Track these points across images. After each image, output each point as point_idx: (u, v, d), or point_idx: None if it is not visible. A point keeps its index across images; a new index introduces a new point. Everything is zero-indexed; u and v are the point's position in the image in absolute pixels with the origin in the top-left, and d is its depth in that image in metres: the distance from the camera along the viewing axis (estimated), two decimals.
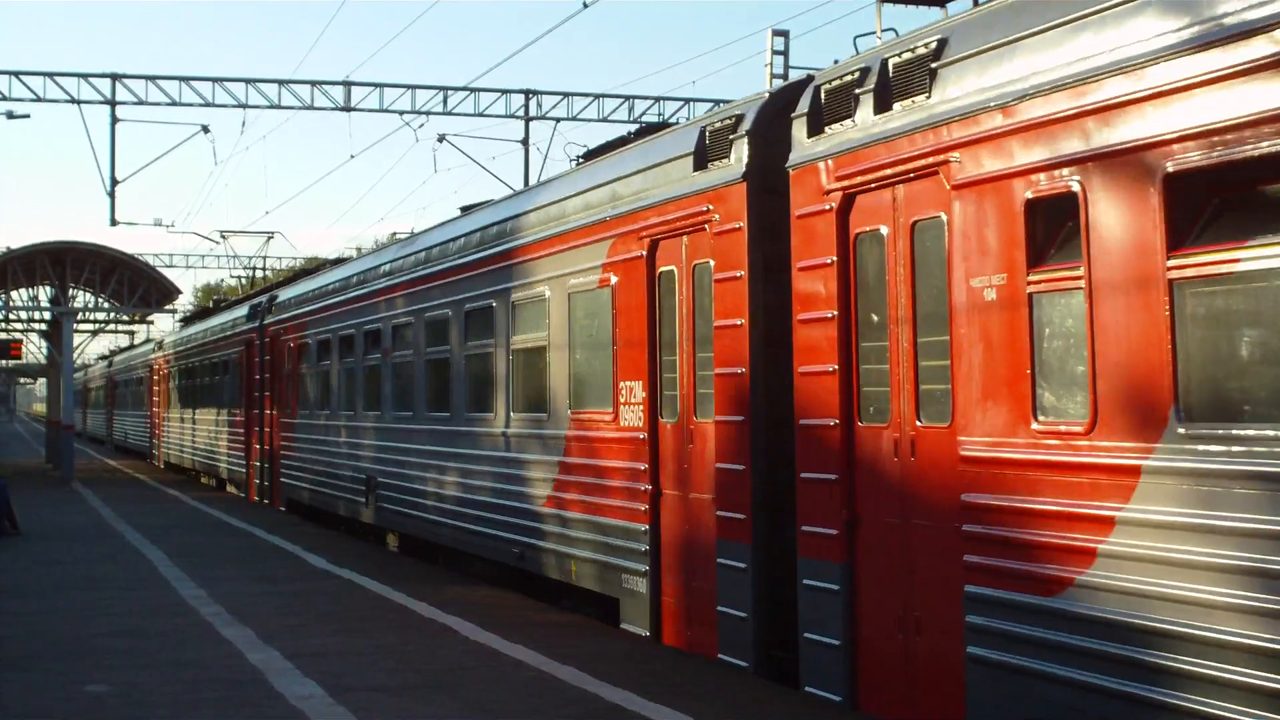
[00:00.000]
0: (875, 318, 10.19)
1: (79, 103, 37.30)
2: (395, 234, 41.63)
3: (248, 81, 38.20)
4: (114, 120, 37.71)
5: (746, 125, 11.84)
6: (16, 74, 36.63)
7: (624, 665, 11.86)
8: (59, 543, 23.29)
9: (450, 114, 39.87)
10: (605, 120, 40.39)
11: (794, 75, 28.96)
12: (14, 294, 47.93)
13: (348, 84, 38.81)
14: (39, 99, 36.95)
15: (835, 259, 10.45)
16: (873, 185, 10.12)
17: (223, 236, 44.87)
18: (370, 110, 39.34)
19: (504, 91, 40.44)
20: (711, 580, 12.10)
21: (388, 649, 12.77)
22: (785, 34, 35.58)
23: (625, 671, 11.54)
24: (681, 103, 40.60)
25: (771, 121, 11.70)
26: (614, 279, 13.90)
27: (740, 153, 11.83)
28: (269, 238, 46.54)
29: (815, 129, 10.82)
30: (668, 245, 13.03)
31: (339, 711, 10.19)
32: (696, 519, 12.46)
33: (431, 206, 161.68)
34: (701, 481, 12.33)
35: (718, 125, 12.24)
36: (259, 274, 51.12)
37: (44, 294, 46.21)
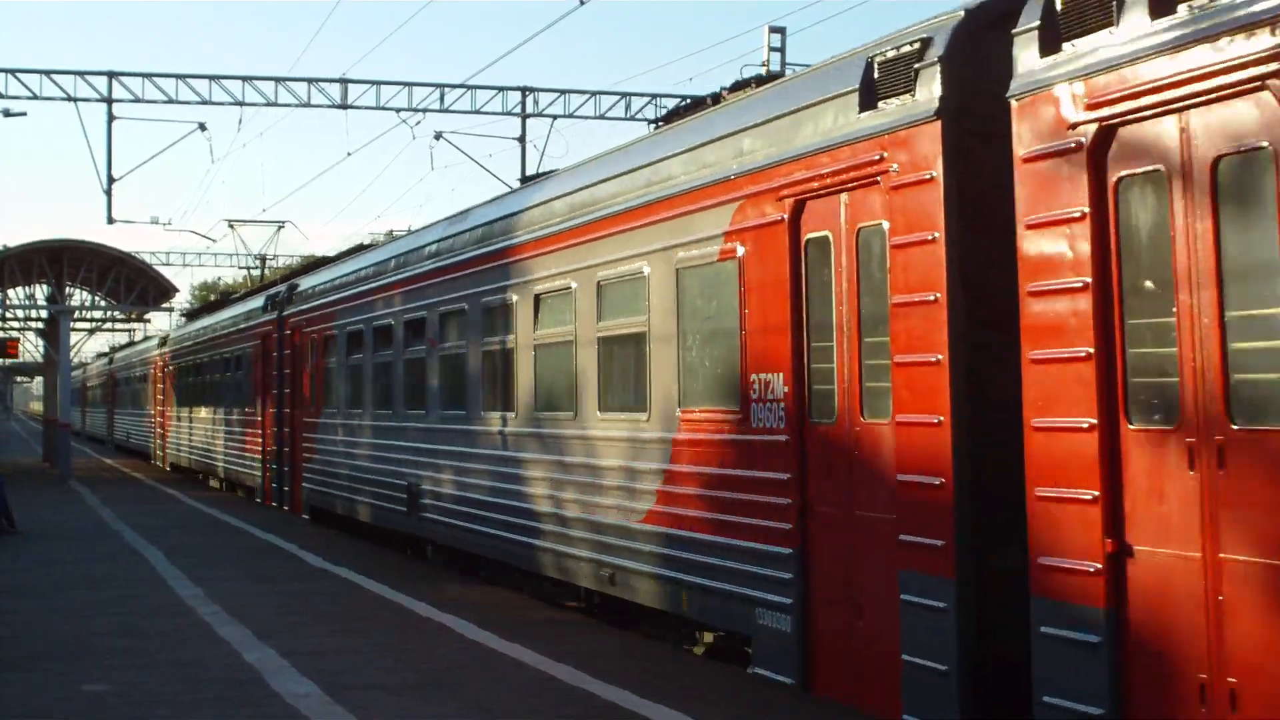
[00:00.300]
0: (1151, 285, 7.13)
1: (75, 100, 35.50)
2: (392, 231, 38.82)
3: (244, 79, 36.66)
4: (110, 118, 35.77)
5: (939, 49, 8.60)
6: (13, 72, 34.51)
7: (622, 664, 11.05)
8: (57, 542, 21.82)
9: (447, 111, 38.06)
10: (602, 117, 38.26)
11: (790, 72, 25.22)
12: (11, 292, 45.23)
13: (344, 81, 37.26)
14: (35, 97, 35.03)
15: (1088, 210, 7.38)
16: (1146, 113, 7.06)
17: (230, 227, 40.77)
18: (367, 108, 37.47)
19: (500, 89, 38.45)
20: (892, 620, 8.87)
21: (385, 648, 12.03)
22: (782, 30, 32.15)
23: (623, 670, 10.75)
24: (678, 99, 37.95)
25: (968, 44, 8.58)
26: (741, 249, 10.55)
27: (930, 85, 8.62)
28: (279, 227, 42.41)
29: (1050, 46, 7.71)
30: (819, 206, 9.74)
31: (336, 710, 9.57)
32: (867, 543, 9.20)
33: (428, 204, 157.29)
34: (874, 497, 9.08)
35: (893, 54, 9.00)
36: (266, 268, 47.16)
37: (41, 292, 43.81)
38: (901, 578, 8.82)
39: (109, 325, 54.19)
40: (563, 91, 38.26)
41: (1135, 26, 7.17)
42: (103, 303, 45.16)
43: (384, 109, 37.12)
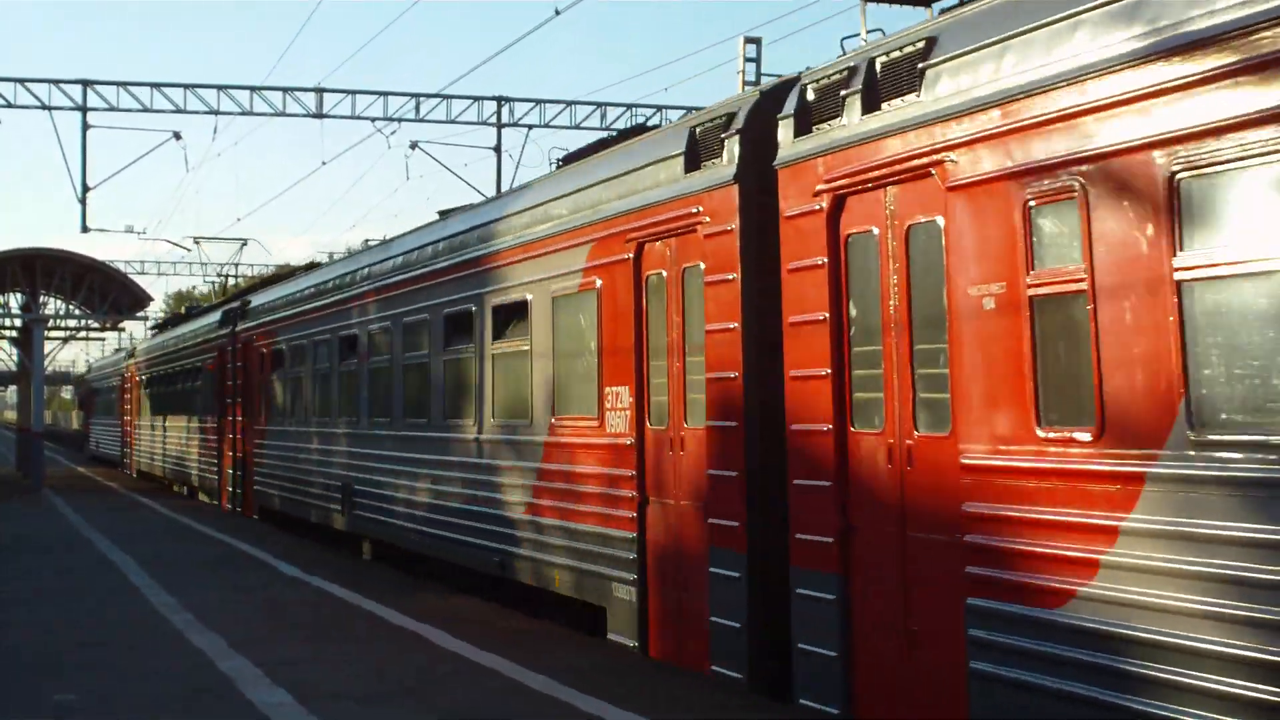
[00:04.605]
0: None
1: (50, 109, 35.65)
2: (367, 240, 38.78)
3: (219, 88, 36.69)
4: (85, 126, 35.77)
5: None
6: None
7: (595, 674, 10.94)
8: (28, 552, 21.40)
9: (422, 121, 38.16)
10: (577, 127, 38.31)
11: (766, 82, 25.39)
12: None
13: (320, 90, 37.27)
14: (9, 105, 35.12)
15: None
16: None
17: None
18: (342, 117, 37.66)
19: (476, 99, 38.35)
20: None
21: (358, 657, 11.93)
22: (758, 41, 32.42)
23: (597, 681, 10.65)
24: (654, 110, 38.32)
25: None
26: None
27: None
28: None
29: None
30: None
31: (310, 719, 9.57)
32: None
33: (404, 214, 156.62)
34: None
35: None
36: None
37: (15, 300, 43.19)
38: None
39: (83, 334, 53.83)
40: (538, 101, 38.36)
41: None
42: (77, 311, 45.01)
43: (359, 118, 37.11)
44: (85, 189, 36.38)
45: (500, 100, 38.29)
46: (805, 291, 9.32)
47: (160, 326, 47.61)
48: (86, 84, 35.22)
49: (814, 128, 9.39)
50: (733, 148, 10.33)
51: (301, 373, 23.36)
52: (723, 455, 10.39)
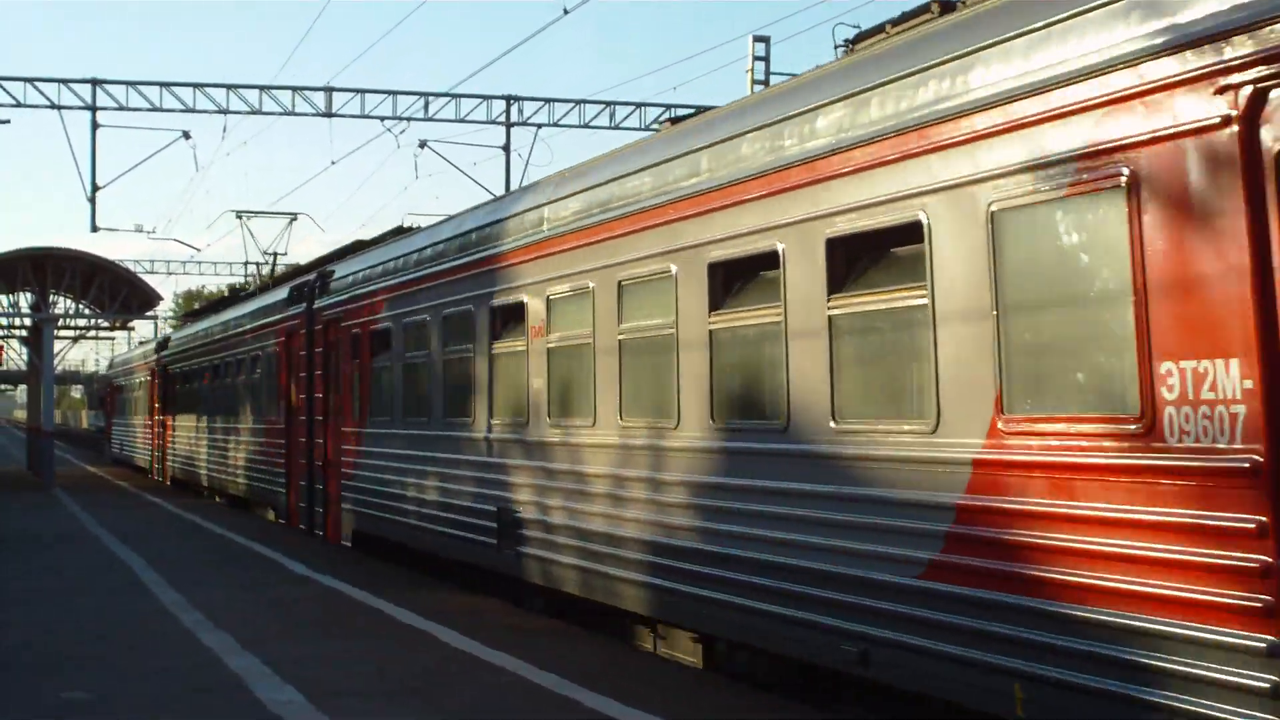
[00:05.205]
0: None
1: (59, 108, 35.90)
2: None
3: (229, 87, 36.73)
4: (94, 126, 35.82)
5: None
6: None
7: (606, 672, 10.91)
8: (36, 550, 21.29)
9: (431, 120, 38.16)
10: (587, 126, 38.20)
11: (775, 80, 25.08)
12: None
13: (329, 90, 37.28)
14: (19, 104, 35.40)
15: None
16: None
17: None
18: (351, 116, 37.89)
19: (485, 97, 38.35)
20: None
21: (367, 655, 11.86)
22: (766, 40, 32.13)
23: (607, 677, 10.63)
24: (662, 109, 38.18)
25: None
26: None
27: None
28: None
29: None
30: None
31: (320, 717, 9.52)
32: None
33: (412, 211, 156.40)
34: None
35: None
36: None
37: (25, 300, 43.12)
38: None
39: (92, 334, 53.87)
40: (547, 100, 38.40)
41: None
42: (86, 310, 44.97)
43: (368, 117, 37.21)
44: (95, 188, 36.51)
45: (509, 99, 38.33)
46: None
47: (197, 313, 46.34)
48: (96, 83, 35.31)
49: None
50: None
51: (424, 359, 17.34)
52: None
